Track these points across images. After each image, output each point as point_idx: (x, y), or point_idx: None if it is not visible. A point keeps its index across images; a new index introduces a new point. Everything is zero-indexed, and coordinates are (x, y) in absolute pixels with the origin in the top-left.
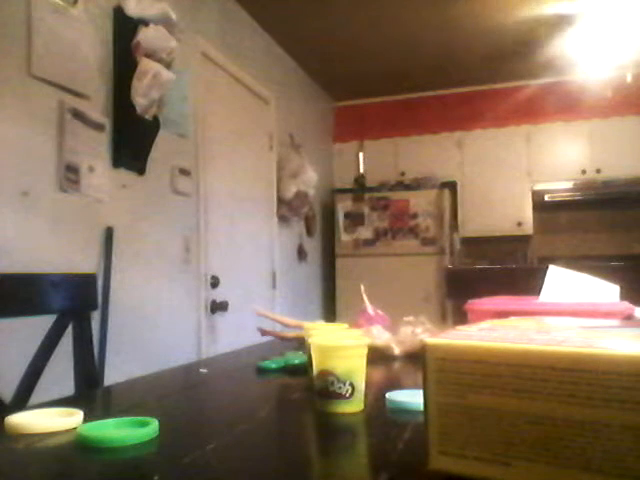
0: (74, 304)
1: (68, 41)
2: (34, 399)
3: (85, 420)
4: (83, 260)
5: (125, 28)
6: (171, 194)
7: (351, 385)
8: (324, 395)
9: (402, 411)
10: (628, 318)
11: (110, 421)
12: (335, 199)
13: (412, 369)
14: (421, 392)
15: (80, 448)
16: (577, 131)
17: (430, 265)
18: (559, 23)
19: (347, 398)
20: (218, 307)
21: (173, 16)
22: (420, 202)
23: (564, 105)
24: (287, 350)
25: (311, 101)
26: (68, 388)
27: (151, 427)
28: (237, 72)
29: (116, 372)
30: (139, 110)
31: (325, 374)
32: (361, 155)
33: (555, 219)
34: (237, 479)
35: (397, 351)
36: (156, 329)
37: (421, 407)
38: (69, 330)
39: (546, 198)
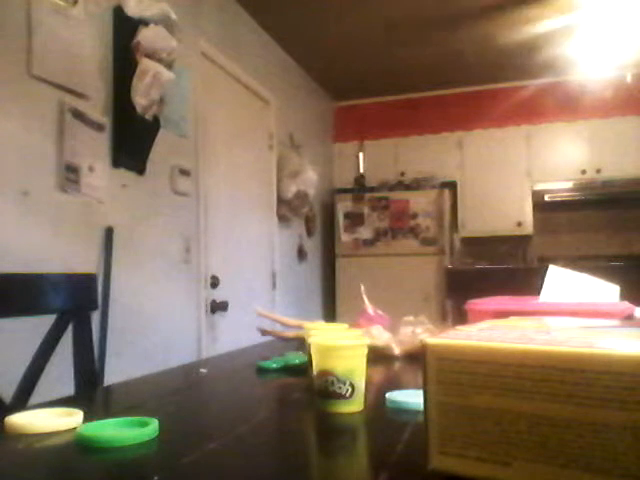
0: (74, 304)
1: (68, 41)
2: (34, 399)
3: (85, 420)
4: (83, 260)
5: (125, 28)
6: (171, 194)
7: (351, 385)
8: (324, 395)
9: (402, 411)
10: (628, 318)
11: (110, 421)
12: (335, 199)
13: (412, 369)
14: (421, 392)
15: (80, 448)
16: (577, 131)
17: (430, 265)
18: (560, 24)
19: (347, 398)
20: (218, 307)
21: (173, 16)
22: (420, 202)
23: (564, 105)
24: (287, 350)
25: (311, 101)
26: (68, 388)
27: (151, 427)
28: (237, 72)
29: (116, 372)
30: (139, 110)
31: (325, 374)
32: (361, 155)
33: (555, 219)
34: (237, 479)
35: (397, 351)
36: (156, 329)
37: (421, 407)
38: (69, 330)
39: (546, 198)
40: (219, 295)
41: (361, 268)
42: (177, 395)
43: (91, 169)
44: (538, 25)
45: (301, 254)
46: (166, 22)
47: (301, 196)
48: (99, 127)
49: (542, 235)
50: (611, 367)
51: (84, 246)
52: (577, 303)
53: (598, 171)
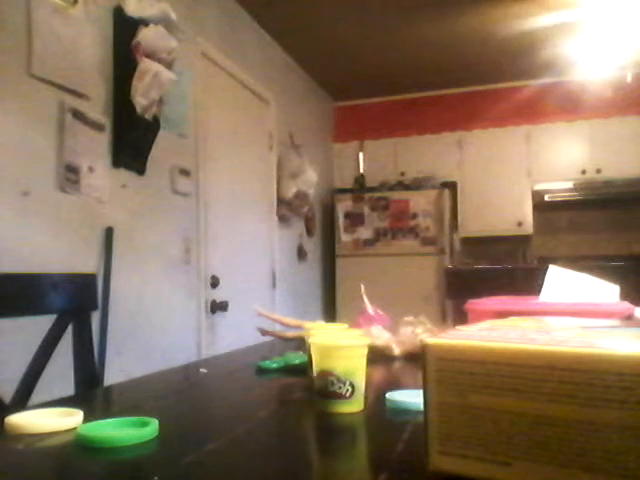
0: (74, 304)
1: (68, 41)
2: (34, 399)
3: (85, 420)
4: (83, 260)
5: (125, 28)
6: (171, 194)
7: (351, 385)
8: (324, 395)
9: (402, 411)
10: (628, 318)
11: (110, 421)
12: (335, 199)
13: (412, 369)
14: (421, 392)
15: (80, 448)
16: (577, 131)
17: (430, 265)
18: (560, 24)
19: (347, 398)
20: (218, 307)
21: (173, 16)
22: (420, 202)
23: (564, 105)
24: (287, 350)
25: (311, 101)
26: (68, 388)
27: (151, 427)
28: (237, 72)
29: (116, 372)
30: (139, 110)
31: (325, 374)
32: (361, 155)
33: (555, 219)
34: (237, 479)
35: (397, 351)
36: (156, 329)
37: (421, 407)
38: (69, 330)
39: (546, 198)
40: (219, 295)
41: (361, 268)
42: (177, 395)
43: (91, 169)
44: (538, 24)
45: (301, 254)
46: (166, 22)
47: (301, 196)
48: (99, 127)
49: (542, 235)
50: (611, 367)
51: (84, 246)
52: (577, 303)
53: (598, 171)
